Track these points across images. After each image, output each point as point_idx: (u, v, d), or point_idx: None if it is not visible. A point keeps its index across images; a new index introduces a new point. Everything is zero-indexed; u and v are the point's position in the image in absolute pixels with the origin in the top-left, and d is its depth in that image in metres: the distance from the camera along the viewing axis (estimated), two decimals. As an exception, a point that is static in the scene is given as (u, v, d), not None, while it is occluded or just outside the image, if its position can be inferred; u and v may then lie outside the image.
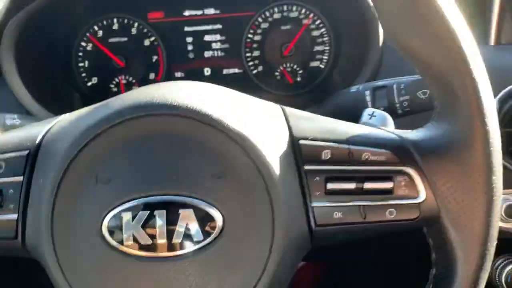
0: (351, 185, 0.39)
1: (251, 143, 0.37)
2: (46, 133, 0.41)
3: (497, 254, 0.73)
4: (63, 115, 0.43)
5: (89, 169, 0.37)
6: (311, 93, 0.86)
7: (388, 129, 0.42)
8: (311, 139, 0.40)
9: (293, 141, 0.40)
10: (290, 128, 0.40)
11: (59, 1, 0.74)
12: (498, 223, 0.39)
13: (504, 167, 0.66)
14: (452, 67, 0.37)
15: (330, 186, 0.39)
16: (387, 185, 0.39)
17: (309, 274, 1.09)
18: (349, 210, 0.39)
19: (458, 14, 0.37)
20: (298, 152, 0.39)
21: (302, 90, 0.86)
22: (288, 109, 0.43)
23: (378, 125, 0.47)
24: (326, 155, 0.39)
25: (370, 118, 0.47)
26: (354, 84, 0.77)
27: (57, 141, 0.39)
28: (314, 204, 0.39)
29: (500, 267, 0.72)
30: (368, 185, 0.39)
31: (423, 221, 0.40)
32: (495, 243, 0.39)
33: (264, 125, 0.39)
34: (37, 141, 0.40)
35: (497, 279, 0.72)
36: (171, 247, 0.36)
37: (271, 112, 0.42)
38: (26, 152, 0.39)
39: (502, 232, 0.68)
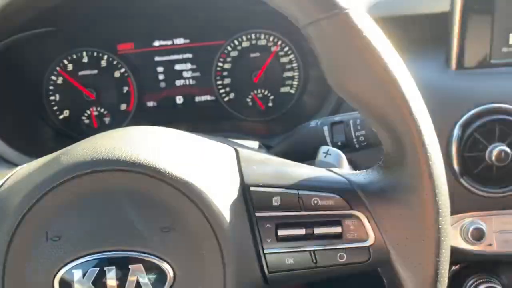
0: (301, 231, 0.40)
1: (200, 194, 0.37)
2: None
3: (467, 275, 0.73)
4: (17, 168, 0.43)
5: (39, 226, 0.37)
6: (283, 118, 0.87)
7: (338, 171, 0.43)
8: (262, 185, 0.40)
9: (244, 187, 0.40)
10: (241, 174, 0.41)
11: (27, 38, 0.75)
12: (447, 262, 0.39)
13: (469, 191, 0.67)
14: (395, 113, 0.38)
15: (281, 232, 0.39)
16: (337, 229, 0.40)
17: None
18: (300, 256, 0.39)
19: (398, 60, 0.38)
20: (249, 199, 0.40)
21: (274, 116, 0.87)
22: (241, 152, 0.43)
23: (333, 163, 0.47)
24: (276, 201, 0.40)
25: (325, 156, 0.47)
26: (323, 108, 0.78)
27: (9, 197, 0.39)
28: (266, 251, 0.39)
29: (472, 287, 0.72)
30: (318, 230, 0.40)
31: (374, 264, 0.40)
32: (446, 282, 0.39)
33: (215, 171, 0.40)
34: None
35: (469, 300, 0.72)
36: None
37: (223, 156, 0.42)
38: None
39: (470, 254, 0.69)
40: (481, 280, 0.72)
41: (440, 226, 0.38)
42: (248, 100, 0.86)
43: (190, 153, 0.41)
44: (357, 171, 0.42)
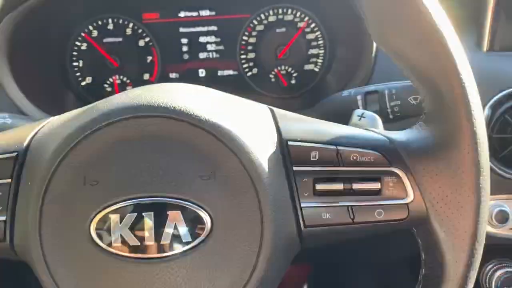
0: (340, 186, 0.39)
1: (240, 144, 0.37)
2: (34, 135, 0.41)
3: (487, 259, 0.73)
4: (51, 118, 0.43)
5: (77, 171, 0.37)
6: (305, 96, 0.87)
7: (377, 131, 0.42)
8: (300, 141, 0.40)
9: (282, 142, 0.40)
10: (279, 130, 0.41)
11: (54, 1, 0.74)
12: (486, 223, 0.39)
13: (496, 173, 0.67)
14: (439, 70, 0.37)
15: (319, 187, 0.39)
16: (375, 185, 0.39)
17: (297, 275, 1.09)
18: (337, 211, 0.39)
19: (444, 17, 0.38)
20: (287, 154, 0.39)
21: (296, 93, 0.86)
22: (277, 111, 0.43)
23: (368, 126, 0.47)
24: (314, 156, 0.39)
25: (360, 119, 0.47)
26: (347, 88, 0.77)
27: (45, 143, 0.39)
28: (303, 205, 0.39)
29: (490, 272, 0.72)
30: (356, 186, 0.39)
31: (412, 222, 0.40)
32: (483, 243, 0.39)
33: (253, 127, 0.39)
34: (25, 144, 0.40)
35: (487, 284, 0.72)
36: (159, 248, 0.36)
37: (260, 114, 0.42)
38: (14, 155, 0.39)
39: (492, 237, 0.69)
40: (501, 265, 0.71)
41: (480, 185, 0.37)
42: (271, 76, 0.86)
43: (229, 107, 0.40)
44: (396, 131, 0.42)
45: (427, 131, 0.40)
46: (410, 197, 0.39)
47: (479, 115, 0.38)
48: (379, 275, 1.04)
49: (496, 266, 0.72)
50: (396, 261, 0.94)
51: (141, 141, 0.37)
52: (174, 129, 0.37)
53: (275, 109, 0.43)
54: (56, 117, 0.43)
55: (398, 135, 0.41)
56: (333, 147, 0.40)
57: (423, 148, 0.39)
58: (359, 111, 0.47)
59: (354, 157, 0.39)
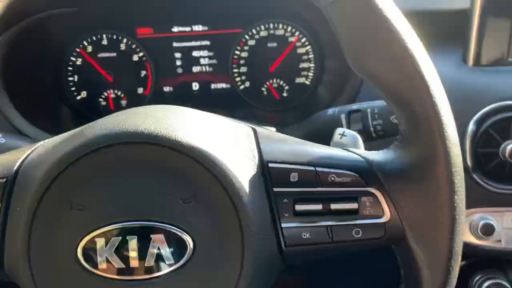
0: (318, 206, 0.40)
1: (220, 167, 0.38)
2: (23, 160, 0.42)
3: (475, 271, 0.74)
4: (41, 142, 0.44)
5: (63, 197, 0.38)
6: (297, 108, 0.88)
7: (355, 150, 0.43)
8: (280, 162, 0.41)
9: (263, 163, 0.41)
10: (260, 151, 0.42)
11: (49, 18, 0.76)
12: (461, 241, 0.40)
13: (481, 187, 0.68)
14: (412, 92, 0.38)
15: (298, 207, 0.40)
16: (353, 205, 0.40)
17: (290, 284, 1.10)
18: (317, 231, 0.40)
19: (416, 39, 0.39)
20: (268, 175, 0.40)
21: (288, 106, 0.88)
22: (260, 131, 0.44)
23: (349, 144, 0.48)
24: (294, 177, 0.40)
25: (341, 138, 0.48)
26: (338, 100, 0.79)
27: (33, 169, 0.40)
28: (284, 225, 0.40)
29: (478, 283, 0.73)
30: (334, 206, 0.40)
31: (389, 240, 0.41)
32: (459, 260, 0.40)
33: (234, 149, 0.41)
34: (14, 169, 0.41)
35: (475, 295, 0.73)
36: (143, 270, 0.38)
37: (241, 135, 0.43)
38: (3, 180, 0.41)
39: (479, 249, 0.70)
40: (488, 276, 0.72)
41: (455, 204, 0.38)
42: (263, 89, 0.87)
43: (211, 130, 0.42)
44: (374, 151, 0.43)
45: (402, 151, 0.41)
46: (387, 216, 0.40)
47: (453, 135, 0.39)
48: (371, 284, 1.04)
49: (484, 278, 0.73)
50: (386, 272, 0.95)
51: (125, 167, 0.38)
52: (156, 155, 0.38)
53: (258, 129, 0.44)
54: (46, 141, 0.44)
55: (375, 156, 0.42)
56: (312, 168, 0.41)
57: (399, 169, 0.41)
58: (340, 130, 0.49)
59: (332, 178, 0.41)
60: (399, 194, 0.40)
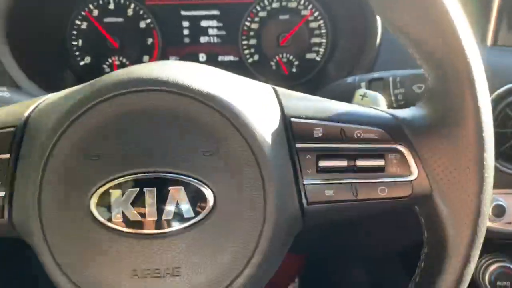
0: (343, 163, 0.39)
1: (243, 120, 0.36)
2: (33, 110, 0.40)
3: (481, 254, 0.73)
4: (51, 94, 0.42)
5: (77, 146, 0.36)
6: (305, 85, 0.86)
7: (380, 108, 0.42)
8: (303, 117, 0.39)
9: (285, 119, 0.39)
10: (281, 107, 0.40)
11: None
12: (489, 200, 0.39)
13: (495, 167, 0.67)
14: (443, 46, 0.37)
15: (322, 163, 0.39)
16: (379, 162, 0.39)
17: (287, 266, 1.09)
18: (340, 188, 0.39)
19: None
20: (290, 130, 0.39)
21: (297, 82, 0.86)
22: (280, 89, 0.43)
23: (370, 105, 0.46)
24: (317, 133, 0.39)
25: (362, 99, 0.46)
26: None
27: (44, 118, 0.38)
28: (306, 182, 0.38)
29: (484, 266, 0.72)
30: (360, 163, 0.39)
31: (415, 199, 0.40)
32: (486, 220, 0.39)
33: (256, 104, 0.39)
34: (24, 118, 0.39)
35: (480, 278, 0.72)
36: (161, 224, 0.36)
37: (262, 92, 0.41)
38: (12, 129, 0.38)
39: (487, 231, 0.69)
40: (495, 259, 0.72)
41: (484, 162, 0.37)
42: (272, 63, 0.85)
43: (233, 85, 0.40)
44: (400, 109, 0.42)
45: (431, 108, 0.40)
46: (414, 174, 0.39)
47: (484, 92, 0.37)
48: (371, 269, 1.04)
49: (490, 261, 0.72)
50: (388, 256, 0.94)
51: (144, 115, 0.36)
52: (176, 104, 0.36)
53: (278, 88, 0.43)
54: (55, 93, 0.42)
55: (402, 113, 0.41)
56: (337, 124, 0.39)
57: (427, 125, 0.39)
58: (361, 91, 0.47)
59: (358, 134, 0.39)
60: (427, 151, 0.39)
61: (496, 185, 0.68)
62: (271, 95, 0.41)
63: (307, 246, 0.88)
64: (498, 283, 0.70)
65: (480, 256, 0.74)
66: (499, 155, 0.66)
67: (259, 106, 0.39)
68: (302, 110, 0.40)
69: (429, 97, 0.40)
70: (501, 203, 0.67)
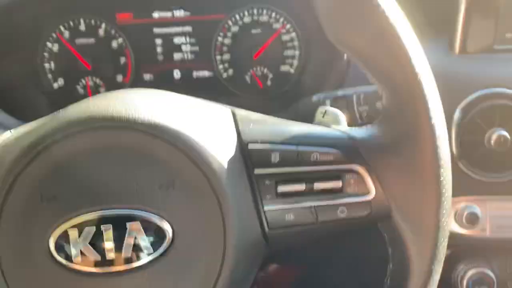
0: (301, 187, 0.39)
1: (198, 151, 0.36)
2: None
3: (459, 260, 0.74)
4: (6, 132, 0.42)
5: (33, 188, 0.36)
6: (281, 97, 0.86)
7: (338, 128, 0.42)
8: (260, 142, 0.39)
9: (242, 145, 0.39)
10: (239, 132, 0.40)
11: (24, 2, 0.73)
12: (448, 216, 0.39)
13: (466, 175, 0.67)
14: (394, 64, 0.37)
15: (281, 188, 0.39)
16: (337, 184, 0.39)
17: (280, 278, 1.09)
18: (300, 211, 0.39)
19: (398, 10, 0.37)
20: (248, 156, 0.39)
21: (272, 95, 0.86)
22: (238, 112, 0.43)
23: (331, 123, 0.46)
24: (275, 157, 0.39)
25: (323, 116, 0.47)
26: (323, 89, 0.77)
27: (0, 158, 0.38)
28: (266, 208, 0.39)
29: (461, 272, 0.73)
30: (318, 185, 0.39)
31: (375, 218, 0.40)
32: (447, 235, 0.39)
33: (212, 131, 0.39)
34: None
35: (459, 284, 0.73)
36: (121, 261, 0.36)
37: (220, 116, 0.41)
38: None
39: (463, 238, 0.70)
40: (472, 265, 0.72)
41: (441, 178, 0.37)
42: (247, 77, 0.85)
43: (188, 113, 0.40)
44: (357, 128, 0.42)
45: (386, 127, 0.40)
46: (372, 194, 0.39)
47: (437, 109, 0.37)
48: (357, 272, 1.04)
49: (467, 267, 0.72)
50: (373, 258, 0.95)
51: (98, 152, 0.36)
52: (131, 140, 0.36)
53: (236, 110, 0.43)
54: (12, 131, 0.42)
55: (359, 132, 0.41)
56: (293, 147, 0.39)
57: (383, 144, 0.39)
58: (322, 108, 0.47)
59: (315, 157, 0.39)
60: (384, 170, 0.39)
61: (469, 192, 0.69)
62: (228, 119, 0.41)
63: (299, 257, 0.88)
64: (476, 288, 0.71)
65: (459, 262, 0.74)
66: (470, 162, 0.67)
67: (215, 132, 0.39)
68: (259, 134, 0.40)
69: (385, 115, 0.40)
70: (474, 210, 0.67)
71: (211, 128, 0.39)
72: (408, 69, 0.36)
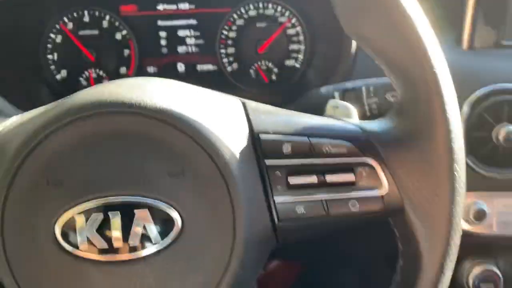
0: (313, 179, 0.38)
1: (210, 140, 0.36)
2: None
3: (465, 256, 0.73)
4: (14, 117, 0.41)
5: (39, 172, 0.35)
6: (286, 92, 0.86)
7: (350, 121, 0.42)
8: (272, 133, 0.39)
9: (253, 135, 0.39)
10: (250, 122, 0.39)
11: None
12: (461, 212, 0.38)
13: (473, 171, 0.67)
14: (410, 58, 0.37)
15: (292, 180, 0.38)
16: (349, 177, 0.39)
17: (283, 274, 1.09)
18: (311, 204, 0.38)
19: (415, 3, 0.37)
20: (259, 147, 0.38)
21: (277, 89, 0.85)
22: (249, 103, 0.42)
23: (342, 117, 0.46)
24: (287, 148, 0.38)
25: (334, 111, 0.46)
26: (328, 83, 0.77)
27: (6, 143, 0.37)
28: (276, 199, 0.38)
29: (467, 269, 0.72)
30: (329, 178, 0.38)
31: (387, 213, 0.39)
32: (459, 232, 0.38)
33: (223, 120, 0.38)
34: None
35: (465, 281, 0.72)
36: (128, 250, 0.35)
37: (230, 106, 0.41)
38: None
39: (469, 235, 0.69)
40: (478, 262, 0.72)
41: (455, 173, 0.36)
42: (252, 71, 0.84)
43: (199, 102, 0.39)
44: (370, 121, 0.41)
45: (400, 120, 0.39)
46: (385, 188, 0.39)
47: (453, 104, 0.37)
48: (362, 269, 1.04)
49: (474, 264, 0.72)
50: (378, 255, 0.94)
51: (106, 138, 0.35)
52: (141, 126, 0.35)
53: (247, 101, 0.42)
54: (18, 116, 0.41)
55: (371, 125, 0.40)
56: (306, 138, 0.39)
57: (397, 138, 0.39)
58: (333, 102, 0.47)
59: (327, 149, 0.39)
60: (397, 164, 0.38)
61: (476, 189, 0.69)
62: (239, 109, 0.41)
63: (304, 252, 0.88)
64: (482, 285, 0.70)
65: (465, 258, 0.74)
66: (477, 158, 0.66)
67: (226, 122, 0.38)
68: (271, 125, 0.39)
69: (398, 109, 0.40)
70: (481, 206, 0.67)
71: (222, 117, 0.38)
72: (424, 63, 0.36)
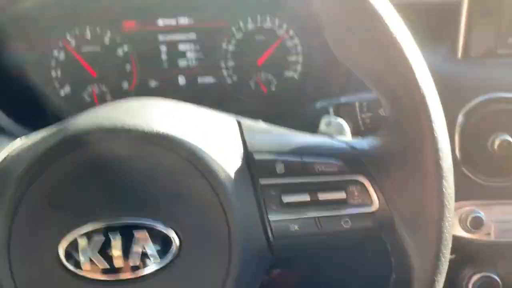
0: (306, 197, 0.40)
1: (205, 161, 0.37)
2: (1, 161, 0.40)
3: (464, 264, 0.74)
4: (17, 140, 0.43)
5: (42, 196, 0.37)
6: (285, 103, 0.87)
7: (341, 139, 0.43)
8: (266, 153, 0.40)
9: (248, 154, 0.40)
10: (244, 142, 0.41)
11: (30, 11, 0.74)
12: (451, 227, 0.39)
13: (470, 179, 0.68)
14: (396, 76, 0.38)
15: (285, 199, 0.39)
16: (340, 195, 0.40)
17: (284, 281, 1.09)
18: (305, 222, 0.39)
19: (399, 21, 0.38)
20: (253, 166, 0.40)
21: (276, 100, 0.87)
22: (243, 122, 0.43)
23: (335, 133, 0.47)
24: (280, 168, 0.40)
25: (327, 127, 0.47)
26: (326, 94, 0.78)
27: (10, 168, 0.39)
28: (271, 218, 0.39)
29: (467, 277, 0.73)
30: (322, 196, 0.40)
31: (379, 229, 0.40)
32: (449, 246, 0.39)
33: (218, 141, 0.40)
34: None
35: (464, 289, 0.73)
36: (129, 270, 0.37)
37: (225, 126, 0.42)
38: None
39: (468, 243, 0.70)
40: (477, 270, 0.72)
41: (443, 190, 0.37)
42: (251, 83, 0.86)
43: (195, 123, 0.41)
44: (360, 139, 0.42)
45: (389, 138, 0.40)
46: (375, 204, 0.40)
47: (440, 120, 0.38)
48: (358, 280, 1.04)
49: (473, 271, 0.72)
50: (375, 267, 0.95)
51: (105, 163, 0.37)
52: (136, 150, 0.37)
53: (242, 120, 0.43)
54: (22, 139, 0.42)
55: (361, 143, 0.42)
56: (298, 158, 0.40)
57: (386, 156, 0.40)
58: (326, 119, 0.48)
59: (319, 168, 0.40)
60: (387, 181, 0.39)
61: (473, 197, 0.69)
62: (234, 128, 0.42)
63: (302, 263, 0.88)
64: (482, 293, 0.71)
65: (464, 266, 0.74)
66: (473, 167, 0.67)
67: (221, 142, 0.40)
68: (265, 145, 0.41)
69: (387, 127, 0.41)
70: (478, 214, 0.67)
71: (217, 138, 0.40)
72: (411, 83, 0.37)
